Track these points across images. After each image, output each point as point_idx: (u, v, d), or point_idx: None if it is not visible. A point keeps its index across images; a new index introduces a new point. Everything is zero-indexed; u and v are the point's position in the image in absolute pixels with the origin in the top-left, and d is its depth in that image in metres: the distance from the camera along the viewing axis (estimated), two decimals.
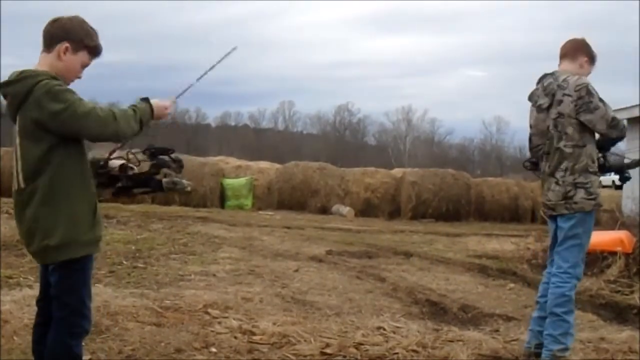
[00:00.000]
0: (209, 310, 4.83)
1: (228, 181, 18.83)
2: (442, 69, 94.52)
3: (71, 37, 2.67)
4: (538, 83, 4.05)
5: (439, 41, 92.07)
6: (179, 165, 3.00)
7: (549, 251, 4.18)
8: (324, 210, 18.31)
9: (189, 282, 6.18)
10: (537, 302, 4.13)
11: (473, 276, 7.54)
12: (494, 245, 10.75)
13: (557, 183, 3.88)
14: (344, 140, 62.20)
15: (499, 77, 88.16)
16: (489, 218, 18.36)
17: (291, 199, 18.90)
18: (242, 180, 19.05)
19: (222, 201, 18.39)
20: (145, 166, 3.00)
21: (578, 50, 3.96)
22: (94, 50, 2.76)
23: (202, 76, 3.02)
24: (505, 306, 5.90)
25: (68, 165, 2.63)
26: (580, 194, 3.81)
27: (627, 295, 6.20)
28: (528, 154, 4.29)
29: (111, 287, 5.58)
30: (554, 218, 4.02)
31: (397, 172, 21.15)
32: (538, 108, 3.99)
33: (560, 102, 3.84)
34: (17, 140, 2.65)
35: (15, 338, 3.91)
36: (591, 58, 4.00)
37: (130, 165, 3.00)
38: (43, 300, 2.88)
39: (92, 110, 2.53)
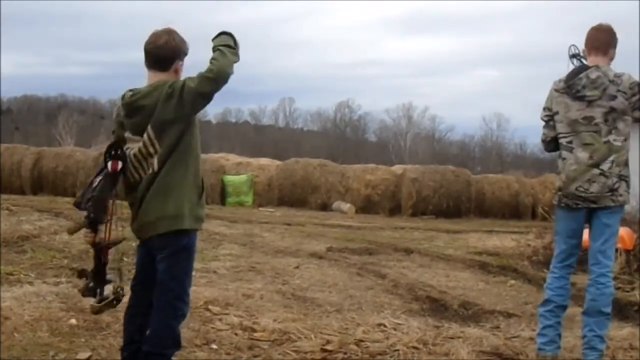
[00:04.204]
0: (210, 306, 4.83)
1: (229, 178, 18.85)
2: (457, 69, 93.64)
3: (181, 55, 3.10)
4: (577, 74, 3.94)
5: (457, 41, 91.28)
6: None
7: (568, 249, 3.98)
8: (325, 207, 18.33)
9: None
10: (560, 306, 3.91)
11: (473, 273, 7.54)
12: (495, 242, 10.77)
13: (602, 174, 3.86)
14: (344, 137, 61.98)
15: (514, 78, 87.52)
16: (489, 215, 18.38)
17: (292, 196, 18.92)
18: (243, 177, 19.07)
19: (222, 198, 18.41)
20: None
21: (609, 45, 3.97)
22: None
23: None
24: (505, 303, 5.90)
25: (180, 158, 3.02)
26: (623, 186, 3.88)
27: (627, 292, 6.19)
28: (538, 141, 4.25)
29: (112, 284, 5.57)
30: (582, 211, 3.91)
31: (397, 168, 21.14)
32: (578, 98, 3.91)
33: (614, 97, 3.84)
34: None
35: (15, 335, 3.91)
36: (616, 45, 4.03)
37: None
38: (138, 285, 3.27)
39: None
